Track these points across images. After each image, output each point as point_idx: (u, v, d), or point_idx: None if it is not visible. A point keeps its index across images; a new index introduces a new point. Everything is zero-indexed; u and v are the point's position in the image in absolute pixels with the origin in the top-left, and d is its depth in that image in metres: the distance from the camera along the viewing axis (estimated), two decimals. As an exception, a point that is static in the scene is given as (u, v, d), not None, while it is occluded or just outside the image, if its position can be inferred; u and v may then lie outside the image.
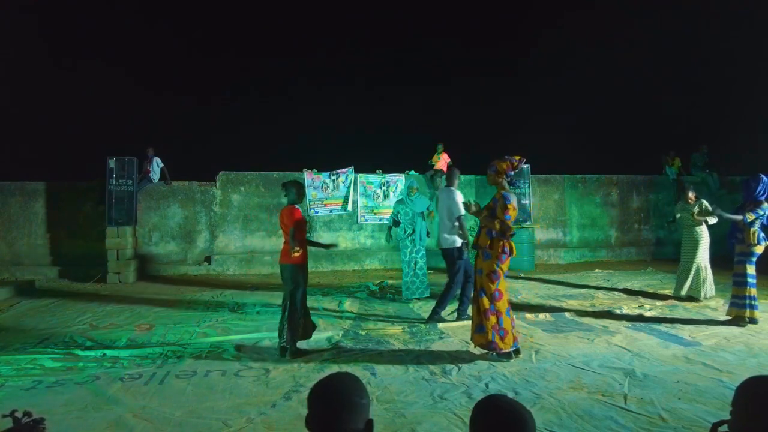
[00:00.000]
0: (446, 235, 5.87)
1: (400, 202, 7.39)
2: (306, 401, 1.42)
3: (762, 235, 5.57)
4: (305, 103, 16.35)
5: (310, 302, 7.13)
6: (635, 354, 4.61)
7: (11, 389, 3.86)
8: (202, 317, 6.28)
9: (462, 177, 11.00)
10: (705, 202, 6.90)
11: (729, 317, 5.73)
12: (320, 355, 4.68)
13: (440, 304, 5.94)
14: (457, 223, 5.77)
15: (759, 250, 5.59)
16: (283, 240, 4.80)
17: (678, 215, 7.17)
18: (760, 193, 5.50)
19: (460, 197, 5.78)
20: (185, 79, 16.05)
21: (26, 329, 5.74)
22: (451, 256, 5.88)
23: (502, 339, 4.39)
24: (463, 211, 5.64)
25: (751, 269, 5.62)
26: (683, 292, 6.99)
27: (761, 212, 5.49)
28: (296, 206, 4.77)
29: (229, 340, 5.20)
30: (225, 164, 10.89)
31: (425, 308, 6.59)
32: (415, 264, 7.18)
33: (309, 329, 4.84)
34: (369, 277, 9.39)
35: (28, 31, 14.25)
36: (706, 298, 6.82)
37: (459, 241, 5.82)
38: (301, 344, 4.81)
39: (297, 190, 4.82)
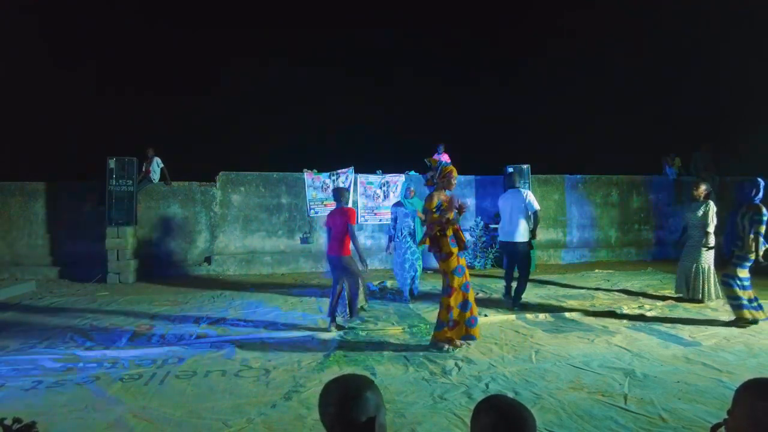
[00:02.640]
0: (522, 230, 6.50)
1: (397, 204, 7.40)
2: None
3: (762, 241, 5.49)
4: (305, 103, 16.36)
5: (310, 304, 7.21)
6: (635, 354, 4.61)
7: (11, 389, 3.86)
8: (202, 317, 6.29)
9: (462, 177, 11.03)
10: (712, 208, 6.66)
11: (733, 318, 5.68)
12: (320, 356, 4.68)
13: (523, 290, 6.63)
14: (529, 218, 6.57)
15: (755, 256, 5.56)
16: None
17: (689, 215, 6.92)
18: (755, 197, 5.49)
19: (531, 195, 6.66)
20: (185, 79, 16.06)
21: (26, 329, 5.74)
22: (525, 248, 6.56)
23: (451, 329, 4.76)
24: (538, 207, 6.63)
25: (742, 273, 5.58)
26: (682, 293, 6.93)
27: (765, 218, 5.43)
28: None
29: (229, 340, 5.21)
30: (225, 164, 10.89)
31: (424, 308, 6.60)
32: (410, 265, 7.14)
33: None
34: (369, 277, 9.38)
35: (28, 31, 14.24)
36: (710, 300, 6.72)
37: (528, 235, 6.57)
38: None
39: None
